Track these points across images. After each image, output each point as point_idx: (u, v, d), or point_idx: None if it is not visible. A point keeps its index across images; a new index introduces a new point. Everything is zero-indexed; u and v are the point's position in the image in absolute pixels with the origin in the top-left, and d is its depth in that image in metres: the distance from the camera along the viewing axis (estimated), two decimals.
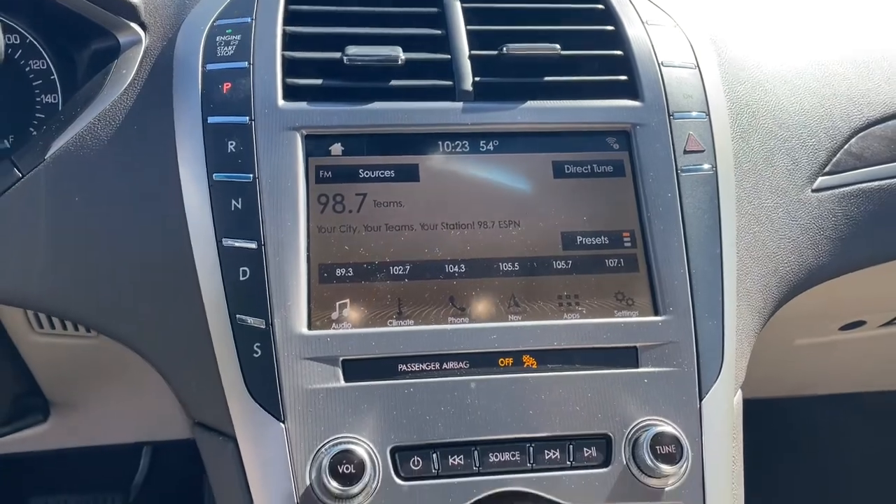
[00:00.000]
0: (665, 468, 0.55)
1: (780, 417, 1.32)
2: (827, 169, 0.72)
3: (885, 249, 0.74)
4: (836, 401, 1.22)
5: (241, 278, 0.57)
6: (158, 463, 1.32)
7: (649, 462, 0.55)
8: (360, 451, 0.53)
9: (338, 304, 0.58)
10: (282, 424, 0.55)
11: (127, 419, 0.93)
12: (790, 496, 1.38)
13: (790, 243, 0.69)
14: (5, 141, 0.75)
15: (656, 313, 0.60)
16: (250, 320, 0.56)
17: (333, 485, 0.52)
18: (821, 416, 1.34)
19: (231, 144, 0.60)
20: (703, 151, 0.65)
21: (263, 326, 0.56)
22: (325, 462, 0.52)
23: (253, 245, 0.58)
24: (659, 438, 0.55)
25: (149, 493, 1.32)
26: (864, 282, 0.80)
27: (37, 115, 0.74)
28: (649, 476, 0.56)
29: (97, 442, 0.97)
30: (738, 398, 0.63)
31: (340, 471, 0.52)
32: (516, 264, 0.61)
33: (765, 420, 1.32)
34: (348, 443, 0.54)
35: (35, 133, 0.72)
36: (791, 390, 1.12)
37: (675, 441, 0.55)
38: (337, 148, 0.62)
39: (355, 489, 0.52)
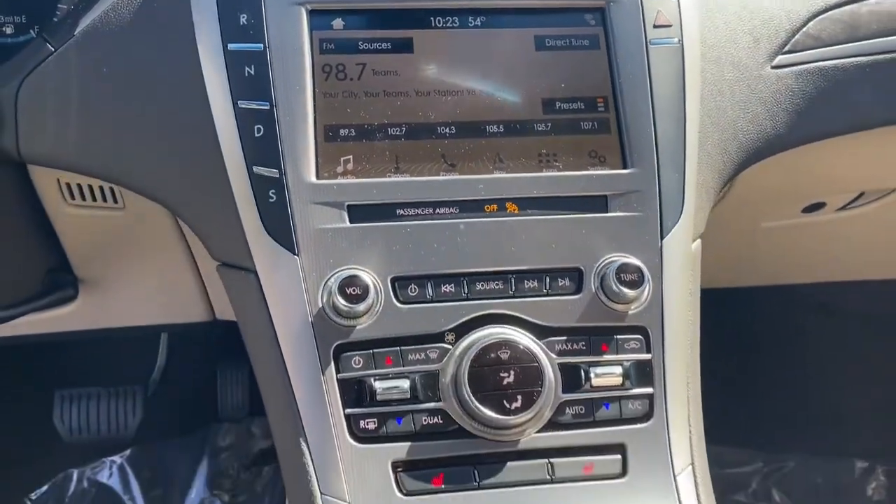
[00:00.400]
0: (628, 292, 0.63)
1: (745, 309, 1.42)
2: (786, 48, 0.79)
3: (836, 124, 0.81)
4: (799, 295, 1.31)
5: (256, 135, 0.65)
6: (174, 360, 1.42)
7: (615, 288, 0.63)
8: (365, 277, 0.62)
9: (342, 159, 0.66)
10: (296, 257, 0.63)
11: (150, 300, 1.02)
12: (751, 386, 1.49)
13: (749, 114, 0.76)
14: (31, 31, 0.81)
15: (625, 168, 0.68)
16: (265, 171, 0.64)
17: (341, 302, 0.60)
18: (783, 310, 1.43)
19: (242, 18, 0.66)
20: (670, 26, 0.71)
21: (277, 176, 0.64)
22: (335, 285, 0.61)
23: (266, 106, 0.65)
24: (624, 268, 0.64)
25: (166, 388, 1.42)
26: (820, 159, 0.87)
27: (59, 5, 0.81)
28: (615, 302, 0.64)
29: (122, 323, 1.05)
30: (696, 245, 0.71)
31: (348, 292, 0.61)
32: (501, 126, 0.68)
33: (729, 311, 1.42)
34: (355, 270, 0.62)
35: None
36: (761, 279, 1.21)
37: (638, 270, 0.64)
38: (338, 23, 0.69)
39: (361, 307, 0.61)
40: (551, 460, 0.61)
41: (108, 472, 1.46)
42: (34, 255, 0.87)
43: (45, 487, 1.42)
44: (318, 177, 0.64)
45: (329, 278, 0.62)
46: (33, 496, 1.41)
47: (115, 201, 0.81)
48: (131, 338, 1.28)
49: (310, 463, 0.59)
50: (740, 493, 1.56)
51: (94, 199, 0.80)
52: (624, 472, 0.62)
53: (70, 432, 1.35)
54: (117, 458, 1.47)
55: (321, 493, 0.58)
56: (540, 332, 0.64)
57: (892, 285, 1.23)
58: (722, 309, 1.43)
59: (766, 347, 1.52)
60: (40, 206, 0.81)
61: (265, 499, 1.46)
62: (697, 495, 0.61)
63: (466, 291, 0.64)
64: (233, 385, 1.46)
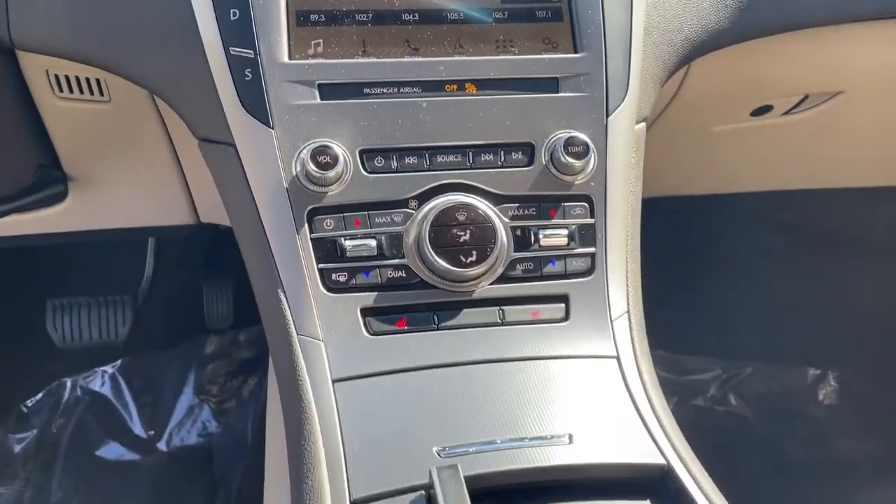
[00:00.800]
0: (575, 163, 0.70)
1: (703, 220, 1.49)
2: None
3: (778, 21, 0.87)
4: (751, 205, 1.38)
5: (232, 18, 0.70)
6: (161, 270, 1.48)
7: (563, 159, 0.70)
8: (335, 148, 0.67)
9: (312, 42, 0.71)
10: (271, 130, 0.68)
11: (137, 201, 1.07)
12: (711, 297, 1.58)
13: (694, 7, 0.82)
14: None
15: (575, 52, 0.74)
16: (241, 51, 0.69)
17: (313, 169, 0.66)
18: (739, 220, 1.51)
19: None
20: None
21: (252, 56, 0.69)
22: (307, 154, 0.67)
23: None
24: (571, 141, 0.70)
25: (154, 298, 1.48)
26: (765, 58, 0.94)
27: None
28: (563, 173, 0.71)
29: (110, 224, 1.11)
30: (640, 127, 0.77)
31: (319, 160, 0.67)
32: (461, 14, 0.74)
33: (689, 221, 1.50)
34: (325, 142, 0.68)
35: None
36: (714, 187, 1.28)
37: (584, 143, 0.70)
38: None
39: (331, 174, 0.67)
40: (502, 307, 0.68)
41: (101, 381, 1.54)
42: (25, 149, 0.92)
43: (39, 395, 1.49)
44: (290, 57, 0.70)
45: (302, 149, 0.68)
46: (29, 403, 1.49)
47: (102, 94, 0.86)
48: (120, 244, 1.33)
49: (287, 309, 0.66)
50: (699, 398, 1.67)
51: (82, 92, 0.85)
52: (567, 318, 0.69)
53: (63, 339, 1.42)
54: (108, 368, 1.54)
55: (297, 334, 0.65)
56: (495, 199, 0.70)
57: (835, 195, 1.31)
58: (681, 219, 1.51)
59: (723, 257, 1.60)
60: (31, 100, 0.86)
61: (251, 404, 1.55)
62: (632, 337, 0.68)
63: (428, 163, 0.70)
64: (218, 298, 1.53)
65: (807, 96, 1.05)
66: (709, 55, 0.87)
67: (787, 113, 1.07)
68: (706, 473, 0.59)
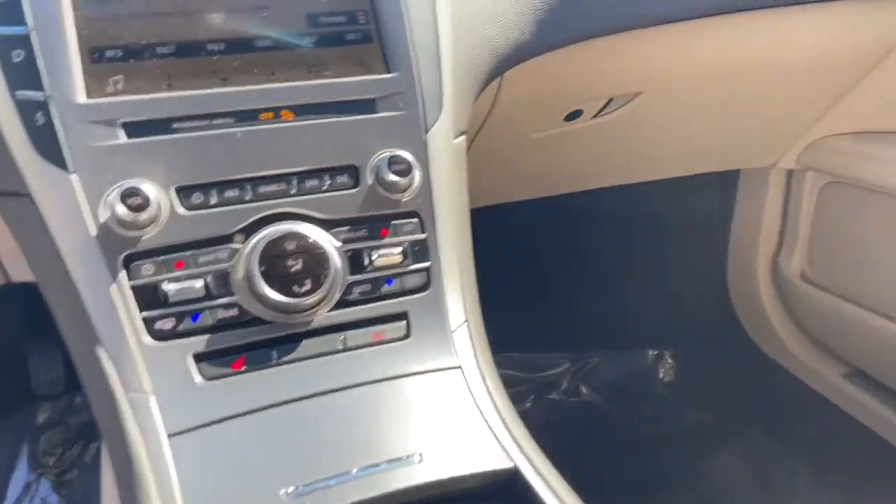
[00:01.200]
0: (400, 181, 0.70)
1: (533, 222, 1.57)
2: None
3: (571, 33, 0.93)
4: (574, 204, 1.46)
5: (16, 60, 0.64)
6: None
7: (388, 178, 0.70)
8: (146, 189, 0.64)
9: (111, 79, 0.67)
10: (71, 176, 0.63)
11: None
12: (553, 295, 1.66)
13: (498, 25, 0.85)
14: None
15: (388, 73, 0.75)
16: (29, 94, 0.64)
17: (123, 211, 0.62)
18: (563, 220, 1.61)
19: None
20: None
21: (42, 98, 0.64)
22: (116, 197, 0.62)
23: (22, 31, 0.64)
24: (394, 159, 0.71)
25: None
26: (569, 67, 1.00)
27: None
28: (389, 191, 0.71)
29: None
30: (460, 140, 0.79)
31: (130, 203, 0.63)
32: (269, 41, 0.72)
33: (520, 226, 1.57)
34: (135, 182, 0.64)
35: None
36: (541, 192, 1.34)
37: (406, 161, 0.71)
38: None
39: (143, 216, 0.63)
40: (344, 333, 0.68)
41: None
42: None
43: None
44: (88, 96, 0.65)
45: (109, 193, 0.64)
46: None
47: None
48: None
49: (109, 365, 0.61)
50: (553, 392, 1.75)
51: None
52: (408, 335, 0.70)
53: None
54: None
55: (124, 391, 0.61)
56: (324, 224, 0.69)
57: (649, 186, 1.42)
58: (516, 224, 1.57)
59: (561, 256, 1.69)
60: None
61: (94, 471, 1.42)
62: (472, 345, 0.70)
63: (251, 194, 0.68)
64: (45, 361, 1.40)
65: (612, 99, 1.13)
66: (519, 66, 0.92)
67: (595, 116, 1.15)
68: (552, 468, 0.61)
